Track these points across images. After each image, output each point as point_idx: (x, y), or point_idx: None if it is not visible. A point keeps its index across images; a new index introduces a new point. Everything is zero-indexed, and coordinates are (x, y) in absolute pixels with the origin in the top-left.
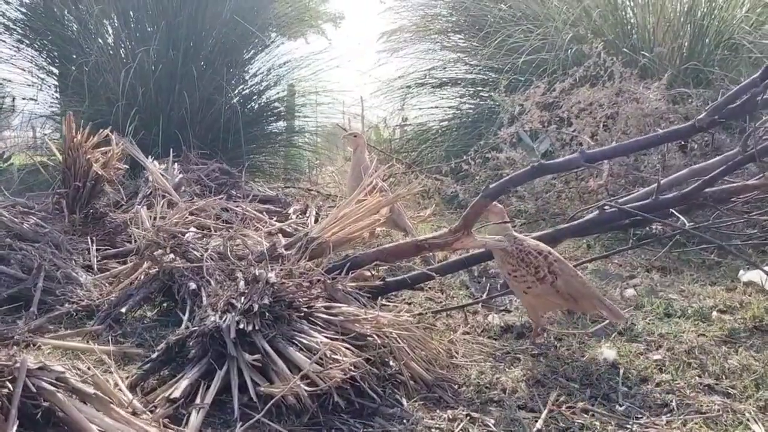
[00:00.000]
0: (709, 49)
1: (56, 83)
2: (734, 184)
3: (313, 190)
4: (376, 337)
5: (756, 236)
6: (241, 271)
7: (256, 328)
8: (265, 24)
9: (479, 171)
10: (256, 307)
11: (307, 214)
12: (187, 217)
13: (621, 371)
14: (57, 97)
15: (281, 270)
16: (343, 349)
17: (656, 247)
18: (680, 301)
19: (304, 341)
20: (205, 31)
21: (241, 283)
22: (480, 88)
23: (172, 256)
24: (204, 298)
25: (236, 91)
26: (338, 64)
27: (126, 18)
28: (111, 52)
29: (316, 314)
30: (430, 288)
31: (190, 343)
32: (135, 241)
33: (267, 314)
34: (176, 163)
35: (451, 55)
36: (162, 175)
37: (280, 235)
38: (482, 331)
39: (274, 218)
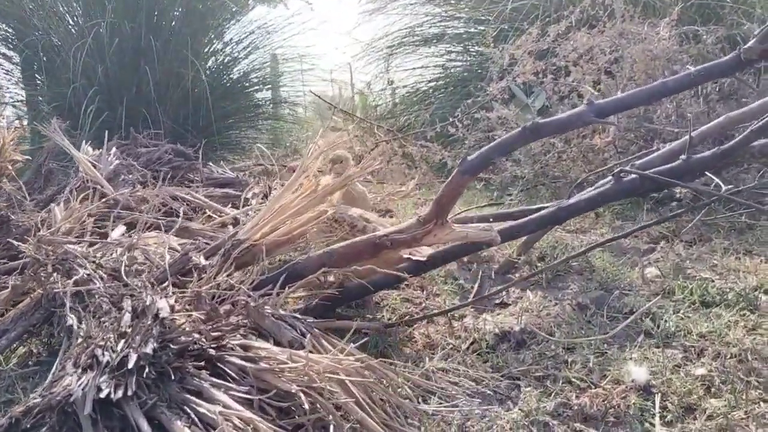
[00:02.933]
0: None
1: (12, 67)
2: None
3: (288, 166)
4: (302, 397)
5: None
6: (131, 296)
7: (129, 393)
8: None
9: (468, 134)
10: (133, 359)
11: (270, 197)
12: (85, 221)
13: (657, 398)
14: (17, 83)
15: (185, 292)
16: (256, 421)
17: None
18: (716, 282)
19: (201, 408)
20: None
21: (126, 317)
22: (467, 43)
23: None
24: (77, 339)
25: (207, 64)
26: (318, 27)
27: None
28: (66, 29)
29: (227, 359)
30: (407, 285)
31: (28, 425)
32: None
33: (148, 369)
34: (115, 148)
35: (436, 9)
36: (93, 164)
37: (230, 227)
38: (471, 344)
39: (230, 205)
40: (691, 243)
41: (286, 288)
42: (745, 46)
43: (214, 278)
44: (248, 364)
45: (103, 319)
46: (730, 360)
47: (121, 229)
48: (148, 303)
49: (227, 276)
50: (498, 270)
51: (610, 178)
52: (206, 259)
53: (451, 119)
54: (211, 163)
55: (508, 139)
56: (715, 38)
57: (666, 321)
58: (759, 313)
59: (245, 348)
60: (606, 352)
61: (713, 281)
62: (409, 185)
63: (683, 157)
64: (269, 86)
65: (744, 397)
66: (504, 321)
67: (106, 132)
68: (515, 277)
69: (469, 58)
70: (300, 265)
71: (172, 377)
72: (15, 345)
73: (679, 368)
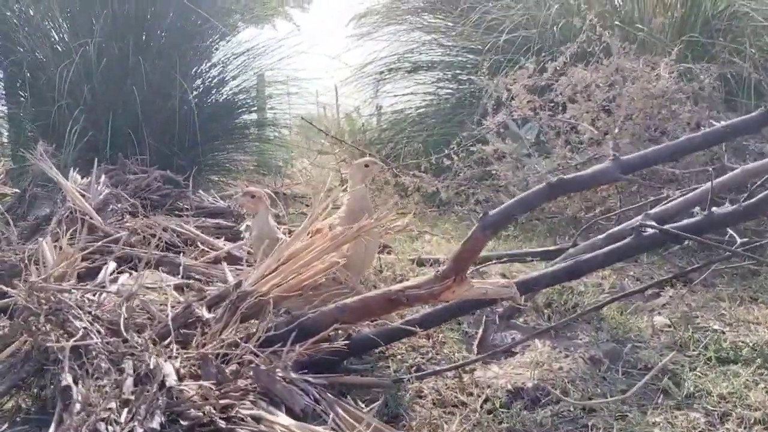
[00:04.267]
0: (704, 18)
1: None
2: None
3: (279, 192)
4: None
5: None
6: (132, 356)
7: None
8: (226, 10)
9: (463, 167)
10: None
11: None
12: (78, 266)
13: None
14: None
15: (189, 355)
16: None
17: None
18: (728, 335)
19: None
20: (156, 20)
21: (128, 382)
22: (458, 71)
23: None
24: (76, 406)
25: (195, 84)
26: (307, 51)
27: (64, 9)
28: (52, 47)
29: None
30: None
31: None
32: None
33: None
34: (104, 175)
35: (425, 37)
36: (82, 194)
37: (224, 264)
38: (484, 402)
39: (223, 238)
40: (695, 290)
41: (296, 346)
42: None
43: (219, 334)
44: None
45: (101, 381)
46: (757, 427)
47: (112, 265)
48: (152, 366)
49: (232, 332)
50: (502, 314)
51: (622, 227)
52: (209, 310)
53: (447, 151)
54: (201, 191)
55: (531, 195)
56: (711, 77)
57: (684, 379)
58: None
59: (257, 420)
60: (627, 415)
61: (724, 333)
62: (405, 220)
63: (704, 212)
64: (256, 108)
65: None
66: (515, 375)
67: (95, 159)
68: (519, 323)
69: (459, 87)
70: (311, 321)
71: None
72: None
73: None
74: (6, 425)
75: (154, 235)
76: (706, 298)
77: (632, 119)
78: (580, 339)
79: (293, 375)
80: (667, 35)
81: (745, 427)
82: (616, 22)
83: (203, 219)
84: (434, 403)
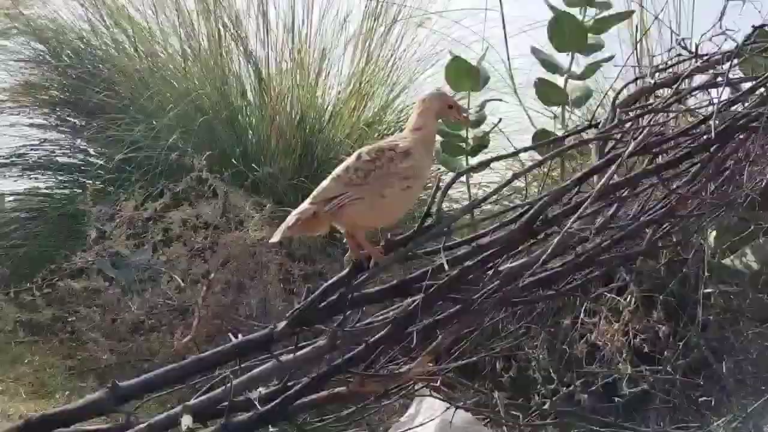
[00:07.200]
0: (317, 164)
1: None
2: (322, 394)
3: None
4: None
5: None
6: None
7: None
8: None
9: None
10: None
11: None
12: None
13: None
14: None
15: None
16: None
17: None
18: None
19: None
20: None
21: None
22: (80, 176)
23: None
24: None
25: None
26: None
27: None
28: None
29: None
30: None
31: None
32: None
33: None
34: None
35: (46, 134)
36: None
37: None
38: None
39: None
40: None
41: None
42: (278, 330)
43: None
44: None
45: None
46: None
47: None
48: None
49: None
50: None
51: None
52: None
53: (28, 284)
54: None
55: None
56: None
57: None
58: None
59: None
60: None
61: None
62: None
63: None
64: None
65: None
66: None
67: None
68: None
69: (80, 193)
70: None
71: None
72: None
73: None
74: None
75: None
76: None
77: (226, 266)
78: None
79: None
80: (286, 178)
81: None
82: (233, 160)
83: None
84: None
